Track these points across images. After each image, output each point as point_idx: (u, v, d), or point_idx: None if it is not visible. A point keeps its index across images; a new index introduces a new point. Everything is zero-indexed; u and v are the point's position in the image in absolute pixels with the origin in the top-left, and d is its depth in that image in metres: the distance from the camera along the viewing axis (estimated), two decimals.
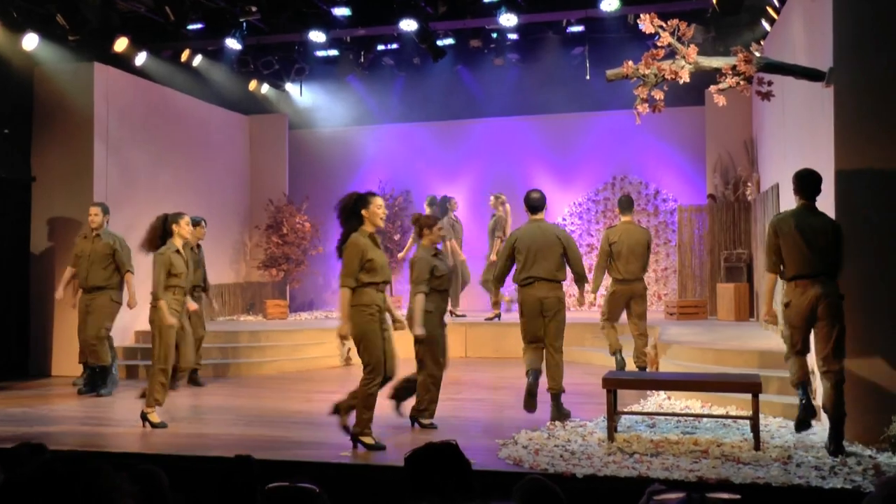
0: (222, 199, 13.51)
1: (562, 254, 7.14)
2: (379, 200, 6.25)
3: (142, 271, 9.58)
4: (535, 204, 7.33)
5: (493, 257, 11.48)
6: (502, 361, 10.75)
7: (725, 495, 2.66)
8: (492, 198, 12.35)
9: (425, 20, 10.93)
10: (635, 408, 7.27)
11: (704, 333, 9.79)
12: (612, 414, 6.17)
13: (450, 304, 11.37)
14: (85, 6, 9.37)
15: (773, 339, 8.46)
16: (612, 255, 8.71)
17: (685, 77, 6.36)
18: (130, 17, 10.74)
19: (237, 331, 11.26)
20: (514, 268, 7.28)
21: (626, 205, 9.01)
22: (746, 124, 12.36)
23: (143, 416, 7.08)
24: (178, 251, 7.26)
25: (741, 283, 11.48)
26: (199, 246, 9.54)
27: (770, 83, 6.61)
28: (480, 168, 14.18)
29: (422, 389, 6.86)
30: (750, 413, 5.93)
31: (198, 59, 12.16)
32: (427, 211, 12.27)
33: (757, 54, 6.47)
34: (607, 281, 8.90)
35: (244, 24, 11.21)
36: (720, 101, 6.45)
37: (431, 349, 6.81)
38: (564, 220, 13.79)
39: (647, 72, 6.39)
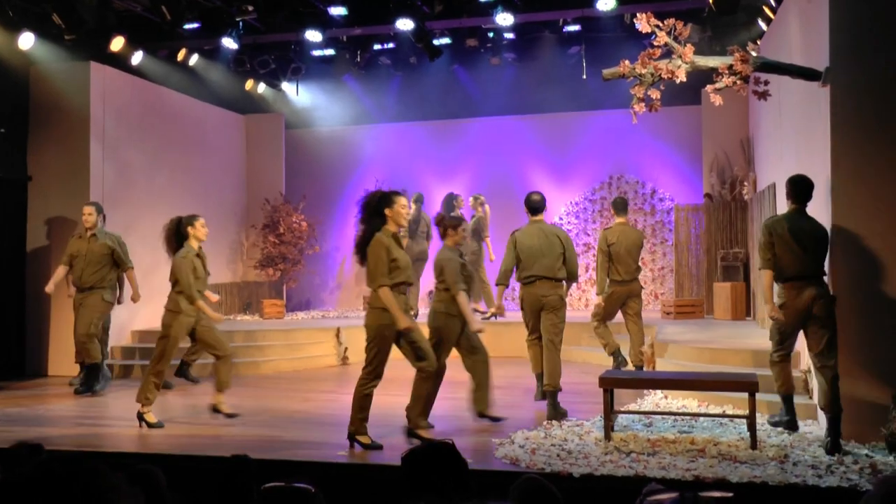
0: (219, 199, 13.50)
1: (561, 253, 7.31)
2: (403, 200, 6.20)
3: (140, 270, 9.59)
4: (535, 206, 7.55)
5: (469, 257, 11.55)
6: (500, 361, 10.68)
7: (717, 494, 2.67)
8: (471, 199, 12.37)
9: (422, 19, 10.93)
10: (632, 407, 7.27)
11: (701, 332, 9.80)
12: (609, 413, 6.18)
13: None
14: (81, 5, 9.35)
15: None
16: (610, 256, 8.73)
17: (682, 76, 6.36)
18: (127, 16, 10.72)
19: (234, 330, 11.25)
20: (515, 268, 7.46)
21: (621, 206, 9.13)
22: (743, 124, 12.37)
23: (140, 417, 7.09)
24: (197, 254, 7.26)
25: (738, 282, 11.50)
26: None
27: (766, 83, 6.61)
28: (477, 167, 14.19)
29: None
30: (746, 412, 5.94)
31: (194, 59, 12.15)
32: (412, 207, 12.32)
33: (753, 54, 6.46)
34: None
35: (240, 24, 11.21)
36: (717, 100, 6.46)
37: (448, 348, 6.87)
38: (561, 219, 13.80)
39: (643, 71, 6.38)
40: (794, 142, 7.97)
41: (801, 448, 5.77)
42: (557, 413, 7.03)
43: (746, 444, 5.82)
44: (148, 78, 11.77)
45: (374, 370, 6.11)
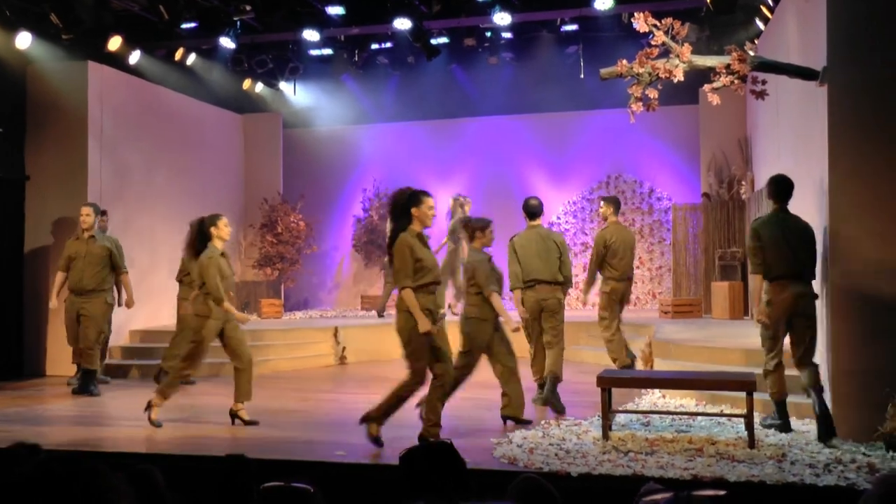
0: (217, 198, 13.47)
1: (558, 257, 7.49)
2: (430, 201, 6.14)
3: (139, 270, 9.59)
4: (533, 210, 7.70)
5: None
6: None
7: (710, 492, 2.67)
8: (451, 200, 12.29)
9: (419, 19, 10.93)
10: (630, 406, 7.28)
11: (699, 332, 9.80)
12: (607, 412, 6.18)
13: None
14: (78, 5, 9.35)
15: None
16: (607, 255, 8.72)
17: (679, 76, 6.37)
18: (124, 15, 10.72)
19: None
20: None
21: (618, 206, 9.19)
22: (741, 123, 12.38)
23: (149, 406, 7.03)
24: (222, 254, 7.16)
25: (735, 281, 11.51)
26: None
27: (764, 82, 6.62)
28: (475, 166, 14.19)
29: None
30: (744, 411, 5.95)
31: (192, 58, 12.14)
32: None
33: (751, 53, 6.48)
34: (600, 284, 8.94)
35: (238, 23, 11.21)
36: (714, 99, 6.47)
37: (478, 355, 6.89)
38: (559, 219, 13.81)
39: (641, 70, 6.39)
40: (792, 141, 7.98)
41: (798, 447, 5.78)
42: (555, 398, 7.11)
43: (744, 443, 5.82)
44: (145, 77, 11.76)
45: (416, 373, 5.99)
